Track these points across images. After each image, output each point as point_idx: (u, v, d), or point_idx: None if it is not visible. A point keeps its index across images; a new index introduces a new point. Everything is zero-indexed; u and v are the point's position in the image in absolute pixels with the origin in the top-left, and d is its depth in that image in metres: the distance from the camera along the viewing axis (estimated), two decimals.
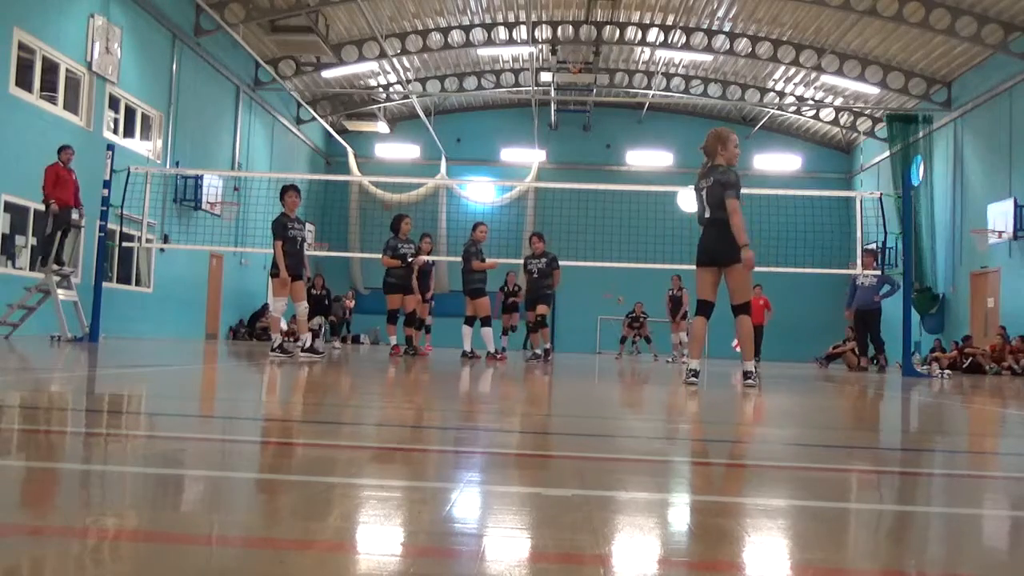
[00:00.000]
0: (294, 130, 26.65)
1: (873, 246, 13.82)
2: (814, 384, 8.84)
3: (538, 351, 11.98)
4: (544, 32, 24.23)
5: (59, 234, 11.58)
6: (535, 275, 12.12)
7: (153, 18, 17.79)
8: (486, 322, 11.94)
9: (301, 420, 3.41)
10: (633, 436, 3.40)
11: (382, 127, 28.86)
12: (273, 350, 9.10)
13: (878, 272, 13.09)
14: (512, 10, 23.13)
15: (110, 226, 12.30)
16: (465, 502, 1.76)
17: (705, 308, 6.60)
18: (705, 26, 23.18)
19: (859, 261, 13.02)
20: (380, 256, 12.04)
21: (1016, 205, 18.42)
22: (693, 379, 6.50)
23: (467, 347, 11.98)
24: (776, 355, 20.65)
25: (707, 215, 6.56)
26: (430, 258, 13.34)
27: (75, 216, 11.93)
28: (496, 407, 4.58)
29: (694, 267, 6.73)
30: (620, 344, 20.48)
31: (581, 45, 24.50)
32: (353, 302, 25.19)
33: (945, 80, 22.32)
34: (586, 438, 3.19)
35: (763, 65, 24.88)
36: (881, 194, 12.50)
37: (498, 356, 11.81)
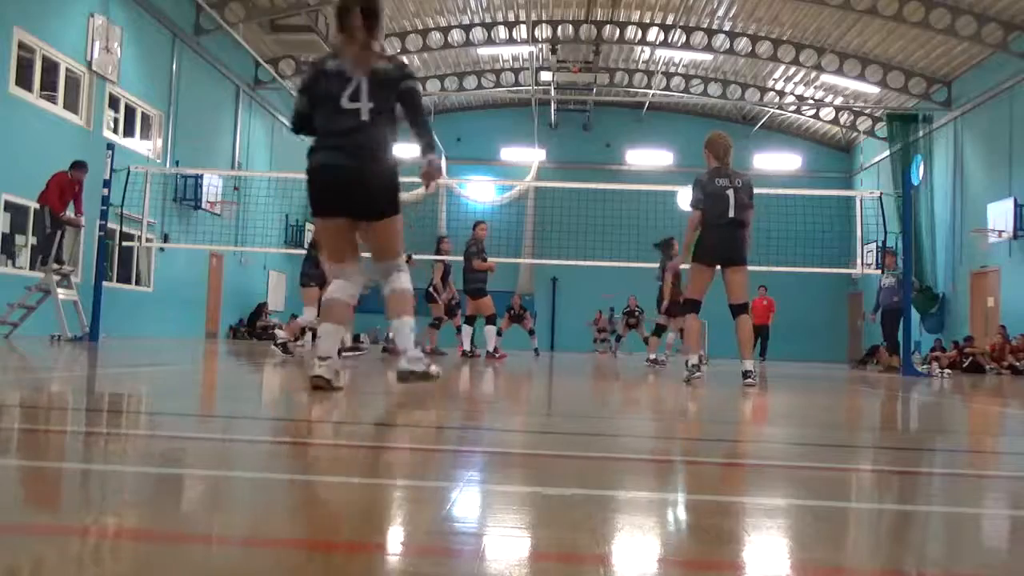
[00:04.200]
0: None
1: (873, 244, 13.82)
2: (814, 383, 8.84)
3: (653, 356, 11.99)
4: (544, 31, 24.22)
5: (59, 234, 11.59)
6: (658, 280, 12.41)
7: (153, 17, 17.78)
8: (491, 320, 12.00)
9: (300, 419, 3.41)
10: (633, 435, 3.40)
11: None
12: (277, 344, 9.21)
13: (899, 273, 13.09)
14: (512, 9, 23.12)
15: (110, 225, 12.30)
16: (465, 501, 1.76)
17: (698, 307, 6.82)
18: (705, 25, 23.18)
19: (859, 261, 13.02)
20: (463, 260, 12.23)
21: (1016, 204, 18.41)
22: (698, 373, 6.63)
23: (467, 346, 12.03)
24: (776, 354, 20.66)
25: (732, 215, 6.65)
26: (447, 258, 13.32)
27: (73, 215, 11.92)
28: (495, 406, 4.58)
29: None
30: (616, 342, 20.40)
31: (581, 44, 24.49)
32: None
33: (945, 79, 22.31)
34: (586, 437, 3.19)
35: (763, 64, 24.88)
36: (881, 193, 12.49)
37: (497, 355, 11.82)
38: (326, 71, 4.16)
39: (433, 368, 4.30)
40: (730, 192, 6.64)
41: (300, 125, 4.28)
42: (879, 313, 14.25)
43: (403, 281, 4.32)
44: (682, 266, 8.29)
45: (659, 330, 12.45)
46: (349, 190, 4.09)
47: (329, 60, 4.24)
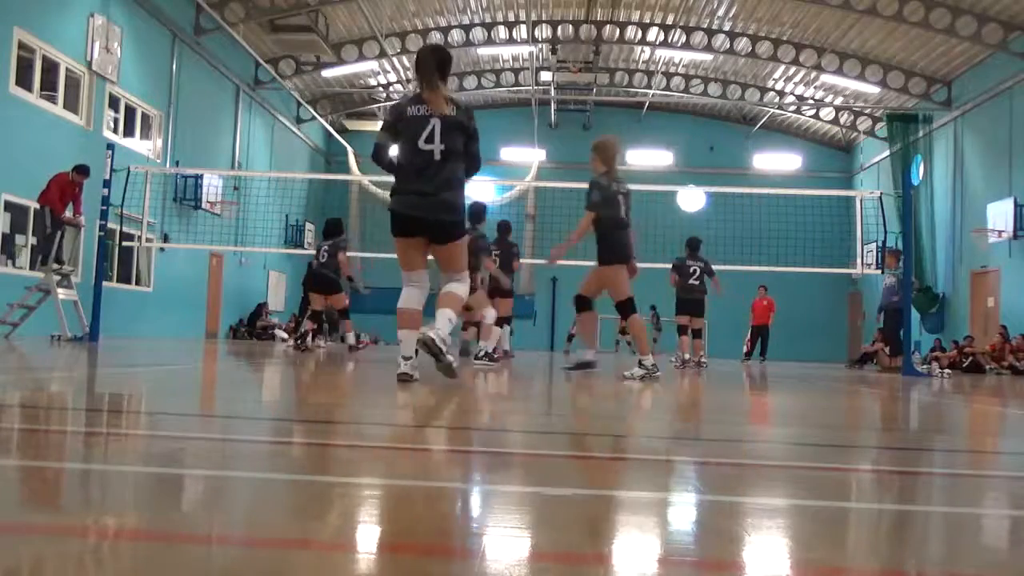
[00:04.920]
0: (294, 129, 26.64)
1: (873, 244, 13.79)
2: (814, 384, 8.84)
3: (688, 357, 11.89)
4: (544, 31, 24.22)
5: (59, 234, 11.61)
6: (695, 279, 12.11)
7: (153, 17, 17.78)
8: (504, 322, 12.07)
9: (301, 419, 3.41)
10: (633, 435, 3.40)
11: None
12: (479, 357, 9.09)
13: (899, 272, 13.10)
14: (512, 9, 23.12)
15: (110, 225, 12.30)
16: (465, 502, 1.76)
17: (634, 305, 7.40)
18: (705, 25, 23.17)
19: (859, 261, 13.02)
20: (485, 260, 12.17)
21: (1016, 204, 18.42)
22: (657, 372, 6.97)
23: (490, 347, 11.99)
24: (776, 354, 20.66)
25: (625, 218, 7.34)
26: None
27: (72, 215, 11.93)
28: (495, 406, 4.58)
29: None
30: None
31: (581, 44, 24.49)
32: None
33: (945, 79, 22.32)
34: (586, 437, 3.19)
35: (763, 64, 24.88)
36: (881, 193, 12.50)
37: (496, 356, 11.82)
38: (407, 115, 4.97)
39: (450, 358, 4.92)
40: (621, 197, 7.16)
41: (379, 156, 5.15)
42: (882, 313, 14.22)
43: (459, 288, 5.17)
44: (559, 261, 8.44)
45: (682, 330, 12.40)
46: (423, 222, 5.03)
47: (409, 105, 5.00)
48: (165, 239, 17.68)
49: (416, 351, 5.04)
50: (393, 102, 5.05)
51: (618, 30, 23.93)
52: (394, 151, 5.14)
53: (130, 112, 17.68)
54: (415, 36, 23.93)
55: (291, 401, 4.38)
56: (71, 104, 15.38)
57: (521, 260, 12.97)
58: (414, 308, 5.18)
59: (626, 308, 7.21)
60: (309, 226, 25.71)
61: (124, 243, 12.91)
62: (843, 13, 20.61)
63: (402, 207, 5.02)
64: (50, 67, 14.81)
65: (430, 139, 4.87)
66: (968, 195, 21.21)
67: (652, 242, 16.40)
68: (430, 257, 5.29)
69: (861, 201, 13.25)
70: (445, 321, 4.94)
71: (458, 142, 4.95)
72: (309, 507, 1.64)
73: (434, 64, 4.95)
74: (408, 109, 4.98)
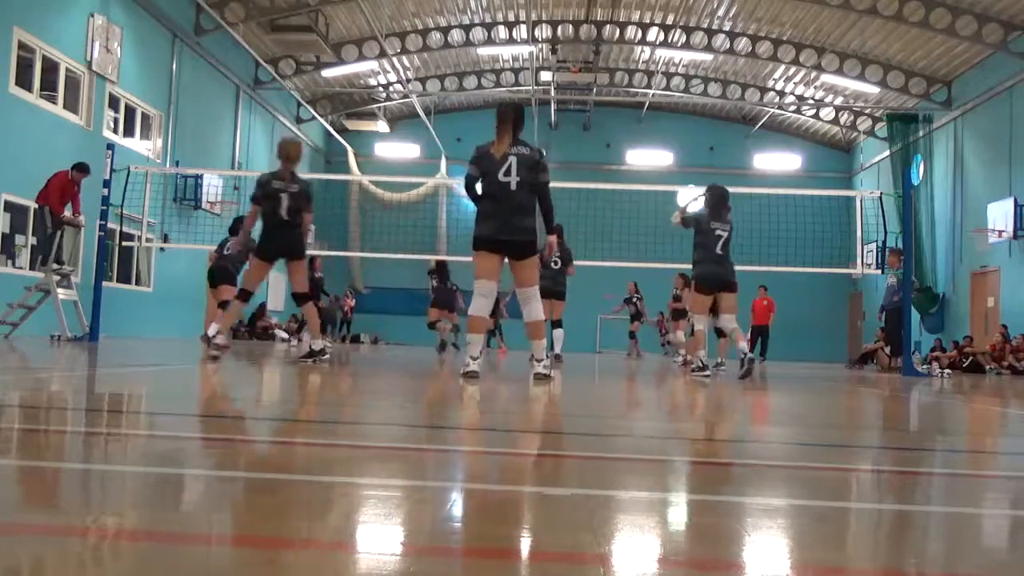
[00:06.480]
0: (294, 129, 26.63)
1: (873, 244, 13.76)
2: (814, 384, 8.84)
3: (689, 358, 11.90)
4: (544, 31, 24.22)
5: (59, 234, 11.60)
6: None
7: (153, 17, 17.78)
8: (559, 324, 12.13)
9: (300, 419, 3.41)
10: (633, 435, 3.40)
11: (382, 126, 28.85)
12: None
13: (901, 272, 13.08)
14: (512, 9, 23.12)
15: (110, 225, 12.30)
16: (465, 502, 1.76)
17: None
18: (705, 25, 23.17)
19: (859, 261, 13.01)
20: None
21: (1016, 204, 18.41)
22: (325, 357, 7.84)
23: (557, 349, 12.07)
24: (776, 355, 20.66)
25: (284, 215, 7.81)
26: None
27: (71, 215, 11.91)
28: (496, 407, 4.58)
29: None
30: (631, 340, 19.98)
31: (581, 44, 24.49)
32: (354, 301, 25.14)
33: (945, 79, 22.31)
34: (586, 437, 3.19)
35: (763, 64, 24.87)
36: (881, 193, 12.49)
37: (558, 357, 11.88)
38: (489, 154, 5.99)
39: (553, 372, 5.97)
40: (284, 196, 7.67)
41: (470, 187, 6.08)
42: (883, 313, 14.19)
43: (537, 311, 6.13)
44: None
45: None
46: (503, 242, 5.99)
47: (490, 147, 6.02)
48: (165, 239, 17.66)
49: (479, 352, 6.09)
50: (479, 146, 5.99)
51: (618, 30, 23.92)
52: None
53: (130, 112, 17.67)
54: (415, 36, 23.93)
55: (292, 401, 4.38)
56: (71, 104, 15.37)
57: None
58: (482, 316, 6.12)
59: (300, 298, 8.08)
60: (311, 226, 25.68)
61: (124, 243, 12.90)
62: (843, 13, 20.60)
63: (487, 231, 5.98)
64: (50, 67, 14.80)
65: (508, 172, 5.88)
66: (968, 195, 21.20)
67: (652, 242, 16.40)
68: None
69: (861, 201, 13.24)
70: (541, 349, 6.13)
71: (531, 175, 5.91)
72: (309, 507, 1.64)
73: (508, 118, 6.00)
74: (490, 149, 6.01)
